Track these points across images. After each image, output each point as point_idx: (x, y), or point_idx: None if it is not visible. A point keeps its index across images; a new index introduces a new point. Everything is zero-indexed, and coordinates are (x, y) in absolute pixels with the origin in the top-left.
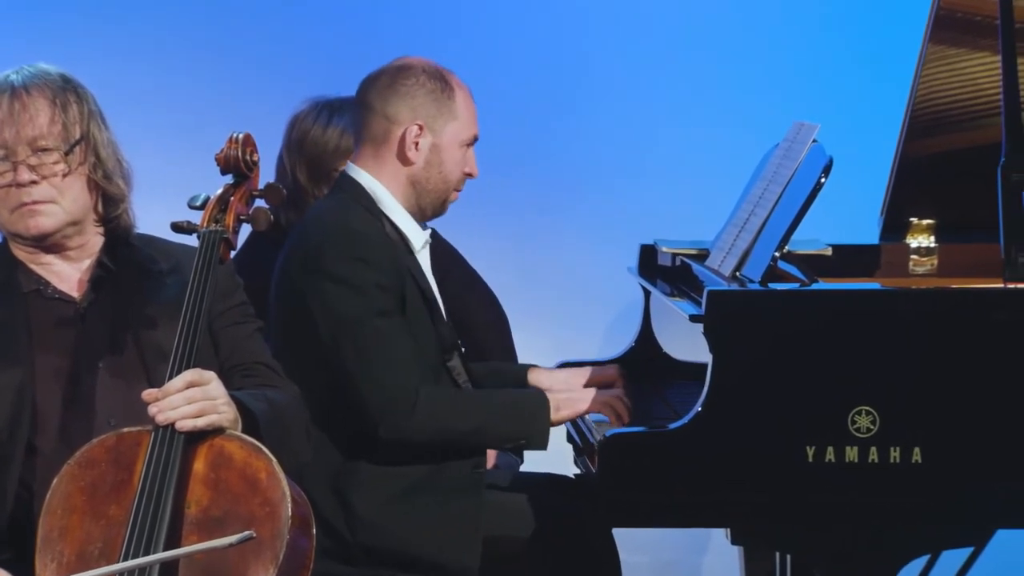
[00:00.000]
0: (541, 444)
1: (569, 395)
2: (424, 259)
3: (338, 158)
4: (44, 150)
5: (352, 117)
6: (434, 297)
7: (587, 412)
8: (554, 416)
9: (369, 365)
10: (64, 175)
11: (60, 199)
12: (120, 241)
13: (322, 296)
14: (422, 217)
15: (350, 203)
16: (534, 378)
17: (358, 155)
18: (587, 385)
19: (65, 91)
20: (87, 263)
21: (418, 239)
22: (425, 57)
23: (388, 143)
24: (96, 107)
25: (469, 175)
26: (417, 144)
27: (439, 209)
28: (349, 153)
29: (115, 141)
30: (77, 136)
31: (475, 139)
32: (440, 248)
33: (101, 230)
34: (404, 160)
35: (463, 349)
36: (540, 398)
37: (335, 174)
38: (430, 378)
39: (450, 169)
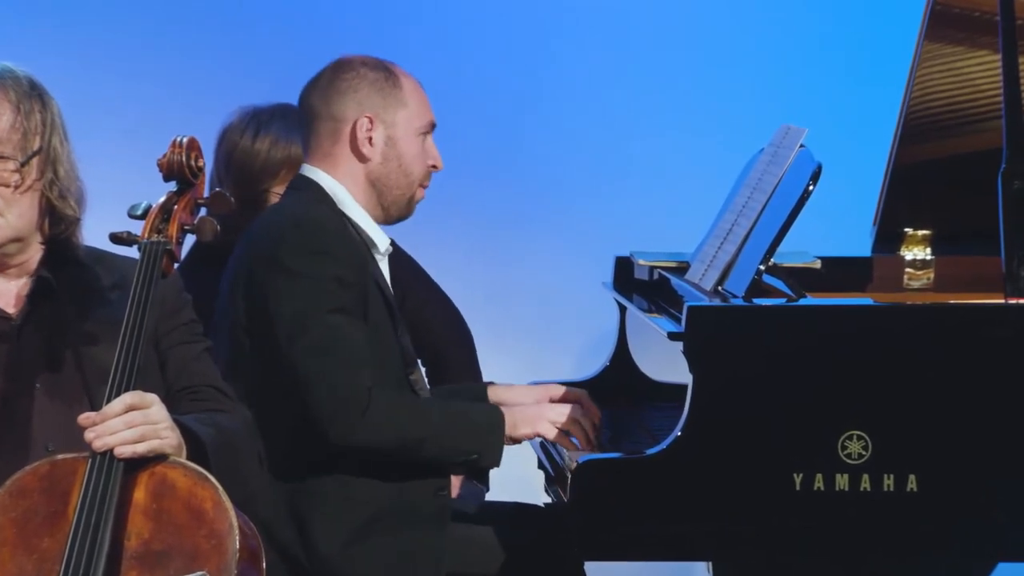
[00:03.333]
0: (493, 460)
1: (526, 411)
2: (384, 266)
3: (267, 176)
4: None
5: (294, 127)
6: (395, 305)
7: (548, 431)
8: (511, 432)
9: (320, 363)
10: (16, 187)
11: (6, 211)
12: (66, 257)
13: (276, 293)
14: (387, 220)
15: (308, 199)
16: (493, 395)
17: (311, 158)
18: (553, 402)
19: (31, 97)
20: (27, 279)
21: (381, 242)
22: (369, 53)
23: (340, 143)
24: (60, 119)
25: (434, 167)
26: (371, 138)
27: (405, 209)
28: (279, 169)
29: (75, 159)
30: (36, 147)
31: (432, 126)
32: (399, 260)
33: (44, 246)
34: (360, 157)
35: (424, 369)
36: (495, 412)
37: (266, 196)
38: (390, 386)
39: (410, 161)
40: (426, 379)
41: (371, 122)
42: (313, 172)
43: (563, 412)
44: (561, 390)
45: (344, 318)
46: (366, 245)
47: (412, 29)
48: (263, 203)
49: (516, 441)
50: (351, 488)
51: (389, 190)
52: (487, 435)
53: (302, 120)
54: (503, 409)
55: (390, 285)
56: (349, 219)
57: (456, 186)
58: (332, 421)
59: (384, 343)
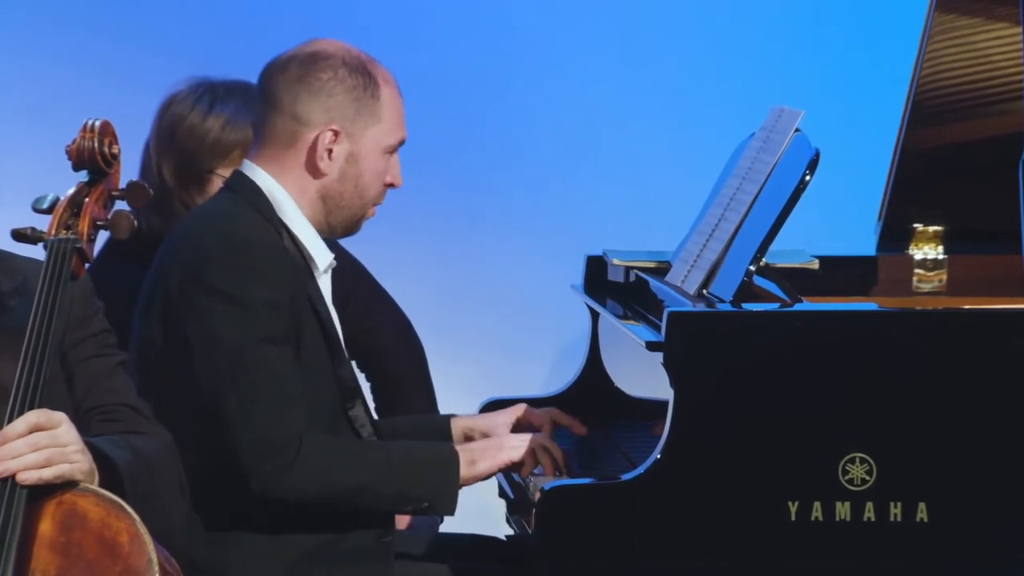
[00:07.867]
0: (447, 508)
1: (486, 444)
2: (325, 285)
3: (216, 156)
4: None
5: (253, 109)
6: (334, 331)
7: (513, 463)
8: (467, 472)
9: (246, 403)
10: None
11: None
12: None
13: (200, 315)
14: (330, 234)
15: (243, 206)
16: (458, 427)
17: (257, 154)
18: (517, 430)
19: None
20: None
21: (322, 259)
22: (340, 40)
23: (295, 148)
24: None
25: (390, 185)
26: (330, 152)
27: (351, 228)
28: (231, 151)
29: None
30: None
31: (401, 143)
32: (342, 262)
33: None
34: (314, 171)
35: (368, 384)
36: (448, 452)
37: (210, 176)
38: (324, 426)
39: (368, 182)
40: (371, 399)
41: (335, 136)
42: (255, 172)
43: (524, 438)
44: (524, 409)
45: (275, 350)
46: (305, 261)
47: (363, 11)
48: (204, 183)
49: (477, 479)
50: (280, 531)
51: (340, 209)
52: (439, 479)
53: (259, 103)
54: (458, 448)
55: (330, 305)
56: (287, 229)
57: (407, 177)
58: (256, 471)
59: (319, 374)
